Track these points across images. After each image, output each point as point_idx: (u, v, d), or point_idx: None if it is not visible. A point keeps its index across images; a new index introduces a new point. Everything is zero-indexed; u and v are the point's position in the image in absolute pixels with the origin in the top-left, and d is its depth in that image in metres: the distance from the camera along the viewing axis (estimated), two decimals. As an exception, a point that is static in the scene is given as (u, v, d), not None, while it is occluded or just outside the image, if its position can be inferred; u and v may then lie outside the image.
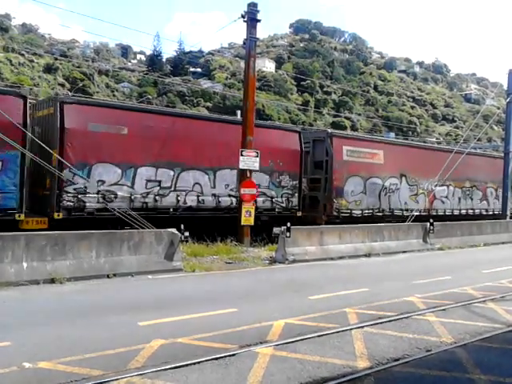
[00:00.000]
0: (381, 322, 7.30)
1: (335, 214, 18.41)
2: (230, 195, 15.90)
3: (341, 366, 5.53)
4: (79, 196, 13.11)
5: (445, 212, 23.19)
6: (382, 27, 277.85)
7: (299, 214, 17.68)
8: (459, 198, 24.23)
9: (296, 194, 17.76)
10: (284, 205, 17.42)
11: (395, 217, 20.31)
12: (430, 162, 21.78)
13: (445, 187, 23.27)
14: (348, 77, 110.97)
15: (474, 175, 24.76)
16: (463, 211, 24.15)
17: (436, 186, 22.26)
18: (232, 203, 15.87)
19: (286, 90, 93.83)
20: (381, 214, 20.01)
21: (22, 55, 75.10)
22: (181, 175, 14.95)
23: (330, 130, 20.78)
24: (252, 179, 15.34)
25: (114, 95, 77.97)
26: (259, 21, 15.37)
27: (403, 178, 21.30)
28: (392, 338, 6.59)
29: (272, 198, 17.10)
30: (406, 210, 20.68)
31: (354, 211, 19.07)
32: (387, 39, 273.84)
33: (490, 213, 25.18)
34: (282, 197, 17.42)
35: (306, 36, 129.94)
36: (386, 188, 20.42)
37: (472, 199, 24.89)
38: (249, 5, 15.22)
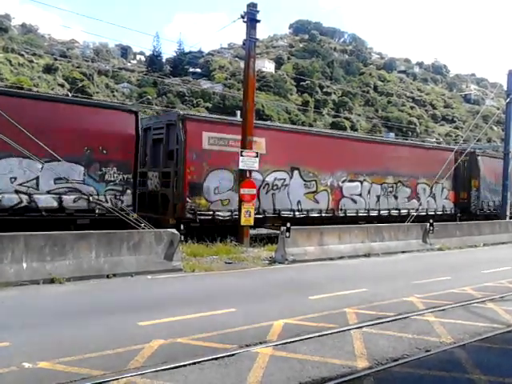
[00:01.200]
0: (380, 322, 7.31)
1: (190, 216, 15.01)
2: (17, 191, 12.36)
3: (340, 366, 5.53)
4: None
5: (357, 213, 19.61)
6: (381, 28, 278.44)
7: (134, 215, 13.49)
8: (378, 197, 20.58)
9: (129, 191, 14.01)
10: (109, 204, 13.59)
11: (283, 219, 16.44)
12: (336, 152, 18.78)
13: (357, 183, 19.79)
14: (348, 77, 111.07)
15: (400, 169, 21.09)
16: (384, 212, 20.63)
17: (344, 181, 19.11)
18: (22, 202, 12.43)
19: (286, 91, 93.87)
20: (261, 215, 16.32)
21: (22, 55, 75.12)
22: None
23: (182, 112, 16.66)
24: (251, 179, 15.34)
25: (113, 95, 77.97)
26: (259, 21, 15.38)
27: (295, 172, 17.67)
28: (391, 338, 6.59)
29: (90, 195, 13.37)
30: (300, 211, 17.60)
31: (218, 213, 15.62)
32: (387, 40, 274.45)
33: (423, 213, 21.47)
34: (106, 194, 13.68)
35: (306, 36, 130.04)
36: (267, 184, 16.69)
37: (397, 197, 21.37)
38: (248, 5, 15.23)
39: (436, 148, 26.04)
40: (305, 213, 17.65)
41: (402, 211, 21.26)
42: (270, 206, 16.78)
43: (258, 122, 18.30)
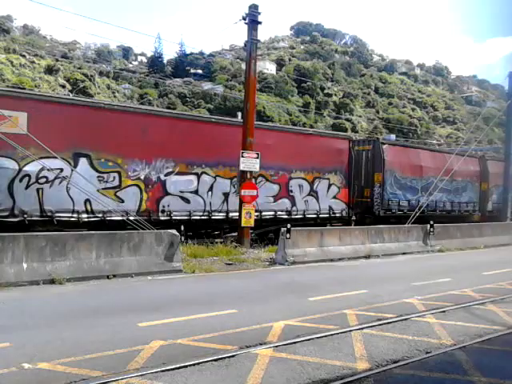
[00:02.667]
0: (380, 324, 7.31)
1: None
2: None
3: (340, 367, 5.53)
4: None
5: (190, 215, 15.08)
6: (382, 29, 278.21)
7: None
8: (226, 195, 15.98)
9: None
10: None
11: (61, 223, 12.83)
12: (155, 134, 14.42)
13: (191, 177, 15.34)
14: (349, 79, 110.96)
15: (263, 160, 15.73)
16: (234, 213, 15.73)
17: (169, 174, 14.81)
18: None
19: (287, 92, 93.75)
20: (18, 218, 12.25)
21: (24, 56, 75.20)
22: None
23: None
24: (252, 181, 15.35)
25: (114, 96, 78.04)
26: (260, 23, 15.40)
27: (82, 160, 13.23)
28: (392, 340, 6.59)
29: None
30: (91, 213, 13.28)
31: None
32: (388, 41, 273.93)
33: (298, 216, 17.63)
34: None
35: (307, 38, 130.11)
36: (28, 176, 12.43)
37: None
38: (250, 7, 15.26)
39: (321, 135, 20.67)
40: (99, 215, 13.36)
41: (264, 213, 16.71)
42: (35, 207, 12.51)
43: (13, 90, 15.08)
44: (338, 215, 19.08)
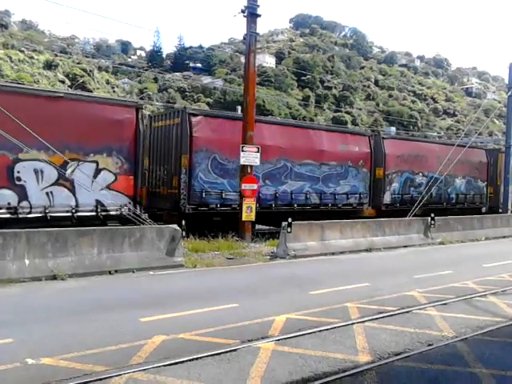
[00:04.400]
0: (382, 317, 7.32)
1: None
2: None
3: (342, 360, 5.55)
4: None
5: None
6: (382, 21, 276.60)
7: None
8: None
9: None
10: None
11: None
12: None
13: None
14: (348, 71, 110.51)
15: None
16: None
17: None
18: None
19: (287, 85, 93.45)
20: None
21: (22, 52, 74.88)
22: None
23: None
24: (253, 175, 15.34)
25: (114, 91, 77.82)
26: (259, 16, 15.32)
27: None
28: (393, 333, 6.61)
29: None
30: None
31: None
32: (387, 33, 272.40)
33: (33, 215, 12.30)
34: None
35: (306, 31, 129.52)
36: None
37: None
38: (249, 0, 15.17)
39: (82, 99, 14.24)
40: None
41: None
42: None
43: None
44: (114, 213, 13.50)
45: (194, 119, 15.37)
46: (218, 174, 15.78)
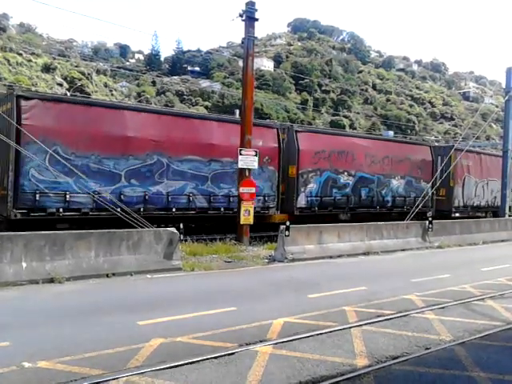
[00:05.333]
0: (380, 321, 7.32)
1: None
2: None
3: (340, 364, 5.54)
4: None
5: None
6: (379, 26, 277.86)
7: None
8: None
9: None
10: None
11: None
12: None
13: None
14: (346, 75, 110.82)
15: None
16: None
17: None
18: None
19: (285, 89, 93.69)
20: None
21: (20, 55, 74.85)
22: None
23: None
24: (251, 178, 15.34)
25: (112, 94, 77.84)
26: (257, 19, 15.37)
27: None
28: (391, 336, 6.60)
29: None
30: None
31: None
32: (385, 38, 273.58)
33: None
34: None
35: (304, 35, 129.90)
36: None
37: None
38: (247, 4, 15.22)
39: None
40: None
41: None
42: None
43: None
44: None
45: (24, 103, 12.73)
46: (62, 171, 12.97)
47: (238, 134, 15.34)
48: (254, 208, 15.48)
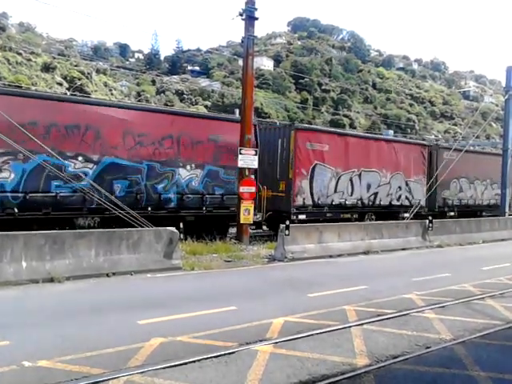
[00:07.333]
0: (380, 320, 7.32)
1: None
2: None
3: (340, 363, 5.54)
4: None
5: None
6: (379, 25, 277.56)
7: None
8: None
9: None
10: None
11: None
12: None
13: None
14: (346, 74, 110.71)
15: None
16: None
17: None
18: None
19: (285, 88, 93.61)
20: None
21: (20, 54, 74.78)
22: None
23: None
24: (251, 177, 15.34)
25: (112, 94, 77.80)
26: (257, 19, 15.35)
27: None
28: (391, 336, 6.60)
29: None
30: None
31: None
32: (385, 37, 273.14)
33: None
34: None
35: (304, 34, 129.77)
36: None
37: None
38: (246, 2, 15.19)
39: None
40: None
41: None
42: None
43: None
44: None
45: None
46: None
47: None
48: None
